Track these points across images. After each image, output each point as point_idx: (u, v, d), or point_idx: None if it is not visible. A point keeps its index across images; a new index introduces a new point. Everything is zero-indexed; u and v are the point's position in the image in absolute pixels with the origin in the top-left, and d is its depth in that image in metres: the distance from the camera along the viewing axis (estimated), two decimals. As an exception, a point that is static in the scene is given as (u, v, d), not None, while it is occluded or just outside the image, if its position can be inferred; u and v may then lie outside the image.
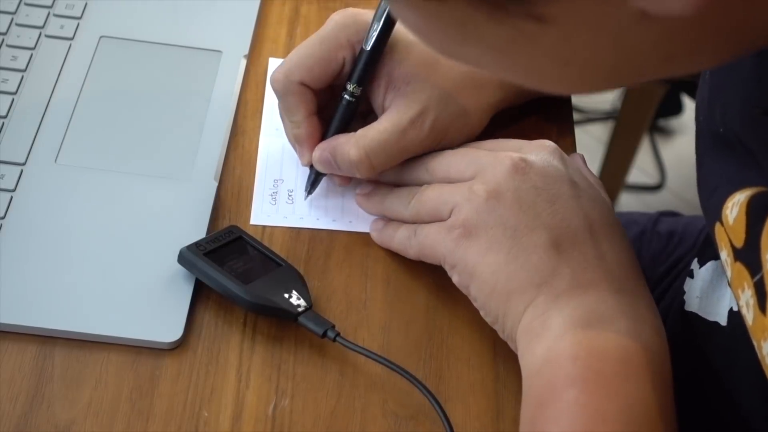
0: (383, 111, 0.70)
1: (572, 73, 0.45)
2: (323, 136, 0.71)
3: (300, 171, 0.74)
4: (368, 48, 0.68)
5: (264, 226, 0.71)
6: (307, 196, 0.73)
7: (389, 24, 0.68)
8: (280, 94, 0.70)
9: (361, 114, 0.72)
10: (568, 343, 0.58)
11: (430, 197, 0.66)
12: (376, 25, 0.68)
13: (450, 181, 0.66)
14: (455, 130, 0.71)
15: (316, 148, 0.70)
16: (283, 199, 0.72)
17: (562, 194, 0.63)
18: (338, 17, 0.70)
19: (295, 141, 0.72)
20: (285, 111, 0.71)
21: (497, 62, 0.45)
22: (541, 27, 0.41)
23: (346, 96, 0.70)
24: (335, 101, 0.71)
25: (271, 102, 0.78)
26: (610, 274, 0.61)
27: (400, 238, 0.68)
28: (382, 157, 0.69)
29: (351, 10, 0.71)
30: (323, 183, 0.73)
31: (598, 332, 0.58)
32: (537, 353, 0.59)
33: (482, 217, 0.62)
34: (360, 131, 0.69)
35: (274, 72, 0.71)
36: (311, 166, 0.72)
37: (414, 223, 0.67)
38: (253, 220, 0.71)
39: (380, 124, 0.69)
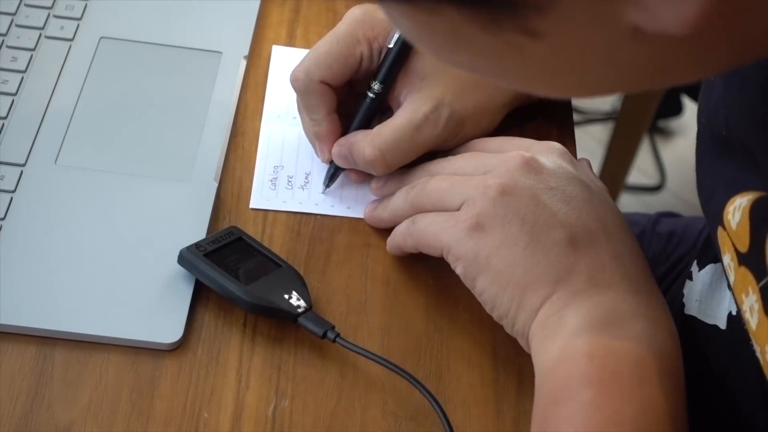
0: (398, 106, 0.70)
1: (562, 82, 0.45)
2: (344, 132, 0.71)
3: (299, 157, 0.74)
4: (392, 46, 0.69)
5: (264, 227, 0.71)
6: (325, 189, 0.73)
7: None
8: (302, 93, 0.71)
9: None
10: (585, 342, 0.58)
11: (440, 187, 0.65)
12: None
13: None
14: (471, 126, 0.71)
15: (336, 144, 0.71)
16: (282, 184, 0.73)
17: (576, 195, 0.62)
18: (353, 13, 0.70)
19: (315, 138, 0.72)
20: (306, 109, 0.71)
21: (489, 68, 0.45)
22: (533, 41, 0.40)
23: (370, 94, 0.70)
24: (352, 96, 0.71)
25: (273, 87, 0.78)
26: (628, 274, 0.60)
27: (401, 228, 0.67)
28: (396, 154, 0.69)
29: (366, 6, 0.71)
30: (320, 172, 0.73)
31: (616, 333, 0.58)
32: (552, 350, 0.58)
33: (498, 211, 0.62)
34: (375, 129, 0.69)
35: (294, 70, 0.71)
36: (331, 161, 0.72)
37: (413, 210, 0.66)
38: (253, 204, 0.71)
39: (394, 121, 0.69)
